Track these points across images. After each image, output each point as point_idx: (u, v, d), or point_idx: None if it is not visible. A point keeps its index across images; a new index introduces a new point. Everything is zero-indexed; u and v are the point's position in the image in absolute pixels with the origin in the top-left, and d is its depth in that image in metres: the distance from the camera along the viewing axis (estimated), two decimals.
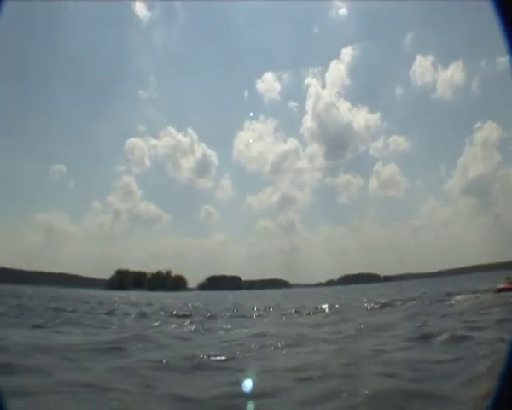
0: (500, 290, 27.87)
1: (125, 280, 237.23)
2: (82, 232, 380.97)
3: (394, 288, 74.10)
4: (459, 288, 43.07)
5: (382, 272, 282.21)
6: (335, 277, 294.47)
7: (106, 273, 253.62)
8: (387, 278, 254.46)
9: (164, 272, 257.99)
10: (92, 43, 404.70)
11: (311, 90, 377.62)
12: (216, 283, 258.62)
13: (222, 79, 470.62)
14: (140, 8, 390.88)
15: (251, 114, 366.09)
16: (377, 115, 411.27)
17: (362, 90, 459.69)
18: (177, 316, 26.71)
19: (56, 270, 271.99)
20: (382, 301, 30.50)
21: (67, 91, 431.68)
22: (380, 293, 54.65)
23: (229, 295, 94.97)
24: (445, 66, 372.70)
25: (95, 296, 66.93)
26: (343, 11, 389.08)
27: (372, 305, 28.58)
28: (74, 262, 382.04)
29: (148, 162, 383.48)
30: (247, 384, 8.08)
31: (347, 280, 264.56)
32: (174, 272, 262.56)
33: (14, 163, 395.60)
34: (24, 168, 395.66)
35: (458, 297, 26.82)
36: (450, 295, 30.67)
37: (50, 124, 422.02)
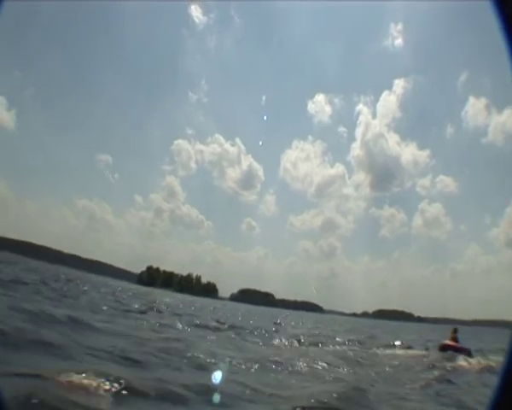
0: (444, 348, 23.26)
1: (155, 277, 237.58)
2: (122, 224, 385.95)
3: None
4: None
5: (417, 312, 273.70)
6: (370, 309, 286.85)
7: (138, 268, 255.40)
8: (421, 319, 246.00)
9: (194, 275, 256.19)
10: (148, 40, 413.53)
11: (362, 118, 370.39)
12: (248, 296, 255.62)
13: (273, 93, 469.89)
14: (196, 12, 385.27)
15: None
16: (426, 152, 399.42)
17: (412, 124, 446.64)
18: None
19: (92, 257, 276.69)
20: None
21: (121, 85, 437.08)
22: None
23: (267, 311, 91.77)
24: (500, 110, 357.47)
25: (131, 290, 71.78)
26: (399, 42, 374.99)
27: None
28: (110, 252, 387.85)
29: (193, 166, 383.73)
30: None
31: (382, 315, 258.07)
32: (207, 279, 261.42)
33: (63, 144, 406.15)
34: (72, 153, 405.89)
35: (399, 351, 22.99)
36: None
37: (102, 114, 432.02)
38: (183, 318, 24.29)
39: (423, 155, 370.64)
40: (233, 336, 18.06)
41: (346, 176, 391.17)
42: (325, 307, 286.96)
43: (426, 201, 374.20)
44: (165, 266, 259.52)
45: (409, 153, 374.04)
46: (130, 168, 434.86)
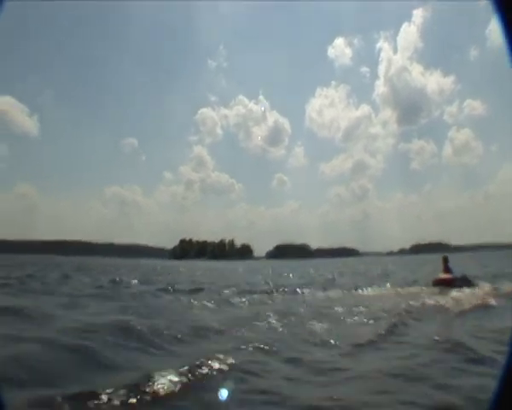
0: (437, 283, 20.37)
1: (188, 249, 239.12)
2: (153, 203, 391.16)
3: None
4: None
5: (454, 242, 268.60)
6: (407, 245, 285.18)
7: (173, 243, 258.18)
8: (458, 248, 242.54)
9: (227, 241, 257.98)
10: (161, 15, 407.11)
11: (383, 55, 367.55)
12: (284, 251, 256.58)
13: (292, 45, 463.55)
14: None
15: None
16: (451, 78, 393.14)
17: (434, 52, 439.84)
18: None
19: (127, 241, 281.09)
20: None
21: (138, 65, 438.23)
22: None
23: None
24: None
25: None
26: None
27: None
28: (145, 233, 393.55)
29: (219, 132, 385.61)
30: None
31: (418, 249, 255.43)
32: (242, 242, 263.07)
33: (87, 138, 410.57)
34: (96, 143, 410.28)
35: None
36: None
37: (121, 98, 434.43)
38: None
39: (448, 82, 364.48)
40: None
41: (373, 115, 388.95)
42: (361, 249, 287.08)
43: (454, 128, 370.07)
44: (200, 237, 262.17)
45: (433, 82, 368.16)
46: (156, 147, 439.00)
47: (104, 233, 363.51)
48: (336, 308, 13.66)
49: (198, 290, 21.59)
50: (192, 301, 15.93)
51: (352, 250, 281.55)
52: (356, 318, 12.06)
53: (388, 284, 23.88)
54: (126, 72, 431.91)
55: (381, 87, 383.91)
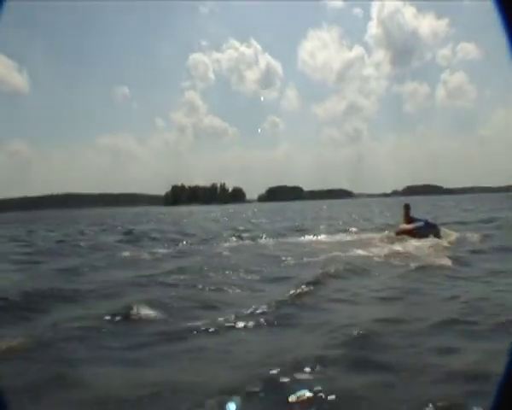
0: (399, 234, 18.68)
1: (180, 195, 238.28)
2: (147, 151, 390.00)
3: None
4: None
5: (446, 184, 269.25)
6: (400, 187, 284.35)
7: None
8: (450, 191, 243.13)
9: (218, 185, 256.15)
10: None
11: None
12: (276, 194, 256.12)
13: None
14: None
15: None
16: (445, 21, 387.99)
17: None
18: None
19: (122, 190, 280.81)
20: None
21: (127, 12, 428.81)
22: None
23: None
24: None
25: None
26: None
27: None
28: (140, 181, 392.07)
29: (212, 76, 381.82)
30: None
31: (411, 191, 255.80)
32: (236, 185, 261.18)
33: (77, 89, 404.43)
34: (86, 93, 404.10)
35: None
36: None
37: (111, 46, 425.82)
38: None
39: (442, 25, 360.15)
40: None
41: (366, 57, 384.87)
42: (355, 190, 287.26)
43: (448, 71, 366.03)
44: (194, 182, 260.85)
45: (427, 24, 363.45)
46: (147, 94, 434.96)
47: (99, 183, 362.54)
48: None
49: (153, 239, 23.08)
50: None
51: (345, 192, 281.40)
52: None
53: (354, 229, 23.80)
54: (116, 19, 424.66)
55: (373, 29, 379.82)
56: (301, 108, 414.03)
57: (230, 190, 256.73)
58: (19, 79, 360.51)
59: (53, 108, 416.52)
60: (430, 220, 19.68)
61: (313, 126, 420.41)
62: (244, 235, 23.62)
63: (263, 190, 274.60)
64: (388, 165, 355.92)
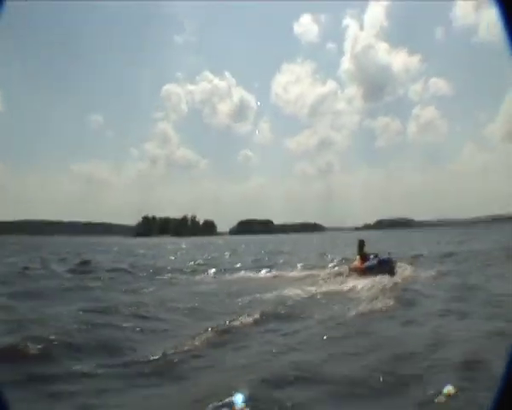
0: (352, 271, 17.75)
1: (151, 226, 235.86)
2: (121, 180, 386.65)
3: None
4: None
5: (417, 217, 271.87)
6: (371, 221, 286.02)
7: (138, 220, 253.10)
8: (421, 224, 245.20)
9: (189, 217, 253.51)
10: None
11: (350, 32, 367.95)
12: (247, 227, 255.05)
13: (258, 22, 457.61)
14: None
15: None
16: (417, 57, 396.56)
17: (401, 31, 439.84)
18: None
19: (93, 219, 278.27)
20: None
21: (102, 41, 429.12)
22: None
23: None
24: (489, 6, 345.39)
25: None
26: None
27: None
28: (112, 210, 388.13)
29: (184, 108, 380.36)
30: None
31: (383, 225, 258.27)
32: (207, 218, 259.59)
33: (52, 115, 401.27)
34: (61, 120, 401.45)
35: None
36: None
37: (87, 73, 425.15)
38: None
39: (414, 61, 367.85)
40: None
41: (339, 91, 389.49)
42: (326, 224, 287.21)
43: (419, 106, 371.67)
44: (165, 213, 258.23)
45: (399, 60, 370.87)
46: (122, 123, 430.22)
47: (71, 211, 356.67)
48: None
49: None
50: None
51: (317, 226, 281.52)
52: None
53: (299, 266, 23.54)
54: (92, 46, 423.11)
55: (346, 64, 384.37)
56: (274, 142, 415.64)
57: (202, 222, 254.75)
58: None
59: (27, 131, 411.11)
60: (384, 257, 18.22)
61: (286, 160, 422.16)
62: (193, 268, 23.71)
63: (234, 223, 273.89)
64: (360, 199, 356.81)
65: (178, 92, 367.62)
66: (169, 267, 24.82)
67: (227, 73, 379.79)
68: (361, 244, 18.63)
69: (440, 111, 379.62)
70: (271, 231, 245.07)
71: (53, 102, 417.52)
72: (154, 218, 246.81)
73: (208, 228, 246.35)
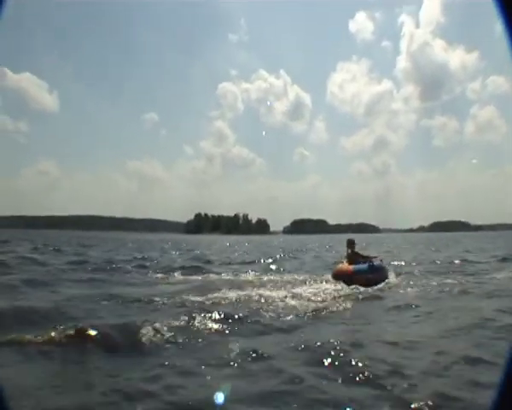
0: (335, 276, 15.55)
1: (203, 224, 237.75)
2: (174, 178, 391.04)
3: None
4: None
5: (474, 221, 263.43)
6: (426, 223, 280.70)
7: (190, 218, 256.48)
8: (478, 228, 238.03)
9: (241, 215, 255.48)
10: None
11: (405, 29, 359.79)
12: (300, 226, 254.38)
13: (313, 19, 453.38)
14: None
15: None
16: (475, 54, 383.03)
17: (458, 27, 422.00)
18: None
19: (146, 215, 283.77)
20: None
21: (158, 38, 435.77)
22: None
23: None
24: None
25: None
26: None
27: None
28: (165, 207, 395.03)
29: (240, 106, 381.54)
30: None
31: (438, 227, 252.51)
32: (263, 217, 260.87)
33: (107, 113, 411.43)
34: (116, 118, 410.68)
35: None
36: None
37: (142, 72, 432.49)
38: None
39: (472, 58, 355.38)
40: None
41: (394, 91, 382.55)
42: (381, 226, 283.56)
43: (477, 105, 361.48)
44: (220, 212, 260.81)
45: (456, 58, 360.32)
46: (176, 121, 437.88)
47: (123, 207, 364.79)
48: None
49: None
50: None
51: (371, 226, 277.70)
52: None
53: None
54: (147, 46, 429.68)
55: (402, 62, 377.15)
56: (330, 141, 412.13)
57: (254, 221, 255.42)
58: (49, 100, 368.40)
59: (82, 130, 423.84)
60: (377, 262, 16.02)
61: (341, 159, 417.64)
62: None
63: (288, 222, 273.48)
64: (416, 200, 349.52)
65: (234, 90, 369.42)
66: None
67: (282, 72, 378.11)
68: (351, 244, 16.58)
69: (499, 110, 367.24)
70: (325, 230, 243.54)
71: (108, 101, 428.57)
72: (206, 215, 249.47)
73: (261, 227, 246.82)
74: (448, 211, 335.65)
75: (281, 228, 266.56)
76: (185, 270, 20.76)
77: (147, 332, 7.53)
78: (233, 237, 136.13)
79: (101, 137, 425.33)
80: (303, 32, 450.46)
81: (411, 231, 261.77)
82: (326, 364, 6.18)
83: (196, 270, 21.15)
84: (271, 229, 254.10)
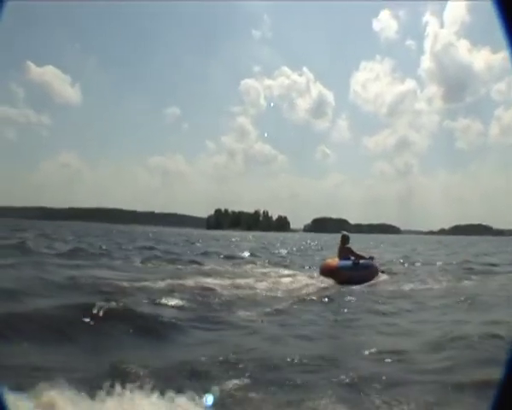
0: (322, 272, 14.87)
1: (223, 220, 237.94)
2: (195, 173, 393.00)
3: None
4: None
5: (497, 225, 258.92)
6: (447, 225, 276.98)
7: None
8: (500, 232, 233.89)
9: (261, 212, 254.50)
10: None
11: (429, 29, 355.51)
12: (321, 225, 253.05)
13: (336, 17, 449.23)
14: None
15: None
16: (500, 55, 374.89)
17: (483, 27, 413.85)
18: None
19: (167, 210, 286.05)
20: None
21: (181, 33, 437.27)
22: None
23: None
24: None
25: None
26: None
27: None
28: (186, 202, 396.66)
29: (263, 103, 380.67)
30: None
31: (459, 230, 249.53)
32: (283, 214, 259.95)
33: (130, 107, 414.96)
34: (138, 112, 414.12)
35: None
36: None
37: (164, 67, 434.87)
38: None
39: (498, 59, 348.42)
40: None
41: (418, 91, 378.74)
42: (402, 227, 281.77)
43: (502, 107, 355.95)
44: (240, 208, 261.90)
45: (481, 58, 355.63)
46: (199, 116, 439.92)
47: (145, 201, 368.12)
48: None
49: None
50: None
51: (392, 227, 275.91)
52: None
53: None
54: (170, 41, 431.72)
55: (426, 62, 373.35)
56: (352, 140, 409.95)
57: (275, 218, 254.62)
58: (71, 93, 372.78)
59: (104, 123, 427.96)
60: (366, 261, 15.50)
61: (363, 159, 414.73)
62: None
63: (308, 221, 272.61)
64: (438, 202, 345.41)
65: (256, 87, 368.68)
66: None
67: (305, 69, 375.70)
68: (343, 240, 15.71)
69: None
70: (346, 230, 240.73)
71: (131, 95, 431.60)
72: (226, 211, 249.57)
73: (281, 224, 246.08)
74: (470, 214, 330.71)
75: (301, 226, 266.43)
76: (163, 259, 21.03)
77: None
78: (250, 234, 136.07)
79: (123, 130, 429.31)
80: (326, 30, 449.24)
81: (432, 233, 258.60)
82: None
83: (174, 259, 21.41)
84: (292, 226, 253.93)
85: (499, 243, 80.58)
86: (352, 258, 15.12)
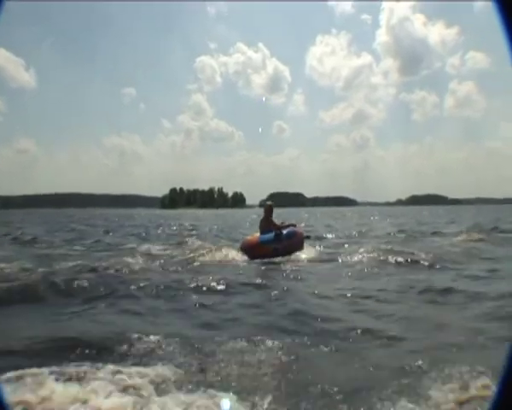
0: (243, 249, 12.98)
1: (178, 199, 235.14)
2: (153, 153, 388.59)
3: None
4: None
5: (452, 195, 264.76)
6: (404, 196, 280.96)
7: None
8: (455, 201, 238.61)
9: (216, 189, 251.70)
10: None
11: (385, 3, 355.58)
12: (277, 199, 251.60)
13: None
14: None
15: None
16: (454, 30, 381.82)
17: (438, 2, 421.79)
18: None
19: (124, 192, 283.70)
20: None
21: (135, 13, 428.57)
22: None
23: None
24: None
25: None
26: None
27: None
28: (142, 183, 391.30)
29: (218, 80, 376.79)
30: None
31: (415, 200, 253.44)
32: (238, 190, 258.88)
33: (85, 90, 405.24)
34: (94, 94, 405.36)
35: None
36: None
37: (119, 47, 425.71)
38: None
39: (451, 33, 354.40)
40: None
41: (374, 65, 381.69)
42: (359, 199, 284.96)
43: (456, 80, 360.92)
44: (198, 186, 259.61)
45: (436, 32, 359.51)
46: (154, 96, 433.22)
47: (102, 184, 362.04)
48: None
49: None
50: None
51: (349, 200, 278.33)
52: None
53: None
54: (124, 21, 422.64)
55: (382, 36, 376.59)
56: (308, 114, 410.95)
57: (230, 194, 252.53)
58: (26, 77, 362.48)
59: (60, 106, 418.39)
60: (289, 230, 13.44)
61: (320, 133, 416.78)
62: None
63: (265, 196, 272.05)
64: (394, 174, 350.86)
65: (212, 64, 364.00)
66: None
67: (261, 45, 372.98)
68: (267, 210, 13.51)
69: (478, 86, 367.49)
70: (303, 204, 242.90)
71: (85, 77, 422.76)
72: (181, 190, 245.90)
73: (237, 200, 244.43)
74: (426, 185, 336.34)
75: (257, 202, 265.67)
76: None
77: None
78: (203, 212, 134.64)
79: (79, 113, 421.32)
80: (282, 5, 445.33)
81: (389, 204, 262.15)
82: None
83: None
84: (248, 203, 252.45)
85: (456, 211, 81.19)
86: (271, 232, 13.02)
